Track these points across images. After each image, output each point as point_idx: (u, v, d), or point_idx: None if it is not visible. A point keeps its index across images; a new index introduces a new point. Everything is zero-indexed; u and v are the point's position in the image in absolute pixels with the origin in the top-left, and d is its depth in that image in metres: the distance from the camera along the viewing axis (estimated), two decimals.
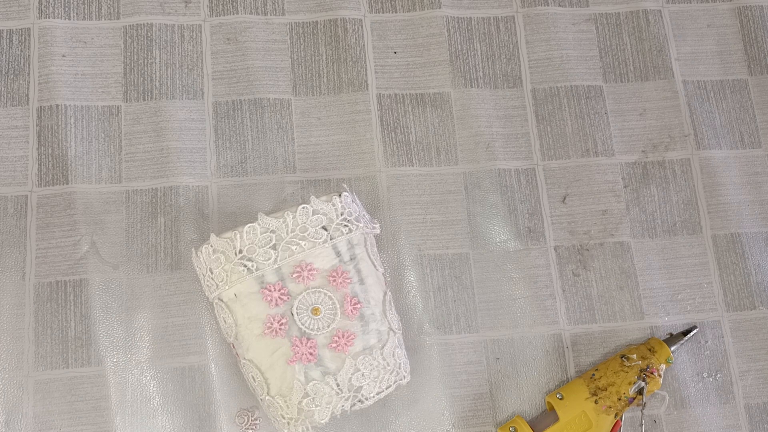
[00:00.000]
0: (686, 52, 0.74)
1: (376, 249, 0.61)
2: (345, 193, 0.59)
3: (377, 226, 0.62)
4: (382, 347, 0.57)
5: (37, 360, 0.62)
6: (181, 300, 0.64)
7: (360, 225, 0.59)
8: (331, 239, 0.57)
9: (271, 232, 0.56)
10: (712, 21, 0.75)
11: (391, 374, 0.57)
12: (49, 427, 0.61)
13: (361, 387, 0.56)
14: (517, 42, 0.73)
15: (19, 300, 0.63)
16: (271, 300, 0.55)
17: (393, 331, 0.58)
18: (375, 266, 0.59)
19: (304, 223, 0.56)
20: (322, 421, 0.55)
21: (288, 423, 0.56)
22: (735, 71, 0.74)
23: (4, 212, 0.65)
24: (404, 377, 0.59)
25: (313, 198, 0.57)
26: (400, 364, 0.58)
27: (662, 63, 0.73)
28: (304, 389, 0.55)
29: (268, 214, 0.57)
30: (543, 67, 0.72)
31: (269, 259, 0.55)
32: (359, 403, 0.56)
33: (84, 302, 0.63)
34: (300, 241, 0.56)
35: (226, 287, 0.56)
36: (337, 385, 0.55)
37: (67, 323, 0.63)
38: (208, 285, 0.58)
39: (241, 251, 0.56)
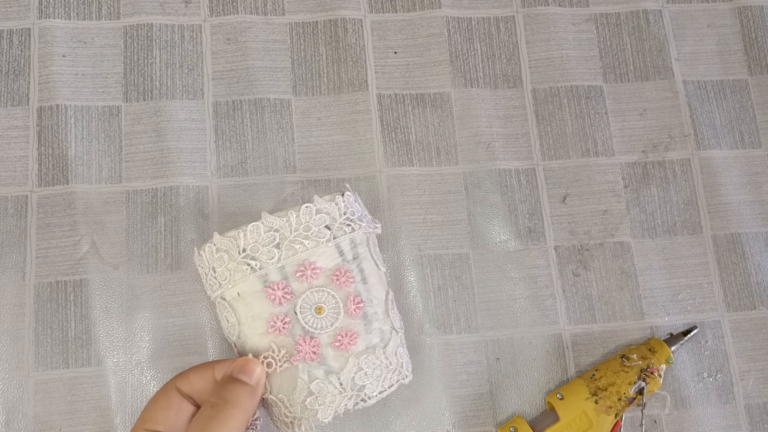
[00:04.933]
0: (686, 52, 0.74)
1: (378, 249, 0.61)
2: (348, 193, 0.59)
3: (379, 225, 0.62)
4: (385, 346, 0.57)
5: (37, 360, 0.62)
6: (181, 300, 0.64)
7: (363, 224, 0.59)
8: (334, 238, 0.57)
9: (274, 230, 0.56)
10: (712, 21, 0.75)
11: (393, 373, 0.57)
12: (49, 427, 0.61)
13: (364, 386, 0.56)
14: (517, 42, 0.73)
15: (19, 300, 0.63)
16: (275, 299, 0.55)
17: (395, 330, 0.58)
18: (377, 265, 0.59)
19: (308, 222, 0.56)
20: (325, 420, 0.55)
21: (291, 422, 0.56)
22: (735, 71, 0.74)
23: (4, 212, 0.65)
24: (406, 376, 0.59)
25: (316, 197, 0.57)
26: (402, 363, 0.58)
27: (662, 63, 0.73)
28: (308, 388, 0.55)
29: (270, 213, 0.57)
30: (543, 67, 0.72)
31: (273, 258, 0.55)
32: (362, 402, 0.56)
33: (84, 302, 0.63)
34: (303, 240, 0.56)
35: (230, 286, 0.56)
36: (341, 384, 0.55)
37: (67, 323, 0.63)
38: (210, 284, 0.58)
39: (244, 250, 0.56)
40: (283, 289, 0.55)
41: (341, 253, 0.57)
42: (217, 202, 0.67)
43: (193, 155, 0.68)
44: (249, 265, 0.56)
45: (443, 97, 0.71)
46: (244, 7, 0.72)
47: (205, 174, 0.67)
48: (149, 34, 0.70)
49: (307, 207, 0.57)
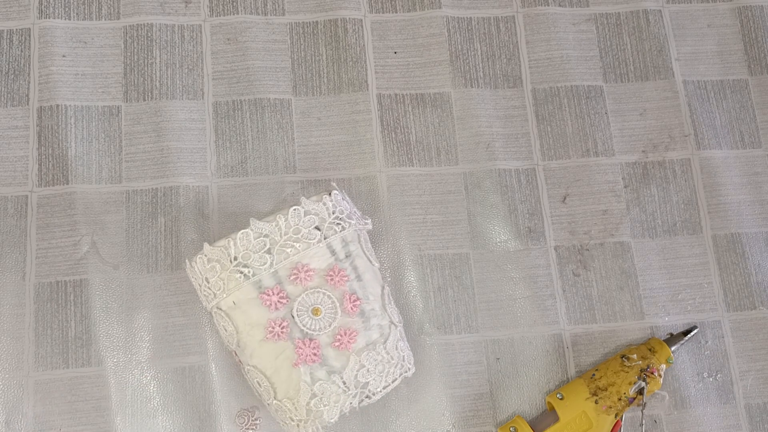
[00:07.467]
0: (686, 52, 0.74)
1: (370, 244, 0.61)
2: (335, 192, 0.59)
3: (369, 221, 0.62)
4: (385, 341, 0.57)
5: (37, 360, 0.62)
6: (181, 300, 0.64)
7: (352, 222, 0.59)
8: (324, 238, 0.57)
9: (264, 236, 0.56)
10: (712, 21, 0.75)
11: (395, 367, 0.57)
12: (49, 427, 0.61)
13: (368, 383, 0.56)
14: (517, 42, 0.73)
15: (20, 300, 0.63)
16: (271, 304, 0.55)
17: (394, 324, 0.58)
18: (371, 261, 0.59)
19: (297, 224, 0.56)
20: (332, 420, 0.55)
21: (297, 425, 0.56)
22: (735, 71, 0.74)
23: (4, 212, 0.65)
24: (409, 369, 0.59)
25: (303, 199, 0.57)
26: (403, 356, 0.58)
27: (662, 63, 0.73)
28: (311, 390, 0.55)
29: (260, 218, 0.57)
30: (543, 67, 0.72)
31: (265, 263, 0.55)
32: (367, 399, 0.56)
33: (84, 302, 0.63)
34: (294, 243, 0.56)
35: (224, 295, 0.56)
36: (344, 383, 0.55)
37: (67, 323, 0.63)
38: (205, 295, 0.57)
39: (236, 258, 0.55)
40: (278, 293, 0.55)
41: (333, 252, 0.57)
42: (217, 202, 0.67)
43: (193, 155, 0.67)
44: (242, 272, 0.55)
45: (443, 97, 0.71)
46: (244, 7, 0.72)
47: (205, 174, 0.67)
48: (149, 34, 0.70)
49: (295, 210, 0.57)
